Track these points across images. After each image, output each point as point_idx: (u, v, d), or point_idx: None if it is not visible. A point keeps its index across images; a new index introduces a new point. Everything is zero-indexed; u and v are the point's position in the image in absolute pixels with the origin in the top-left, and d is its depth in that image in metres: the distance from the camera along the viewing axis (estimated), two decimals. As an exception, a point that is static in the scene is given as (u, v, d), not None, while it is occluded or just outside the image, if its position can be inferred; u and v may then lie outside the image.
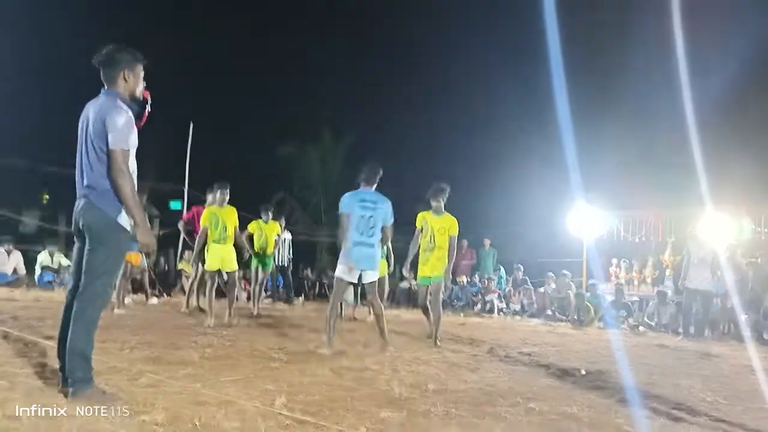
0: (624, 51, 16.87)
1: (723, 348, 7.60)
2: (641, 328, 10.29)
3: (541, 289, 12.84)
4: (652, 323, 10.41)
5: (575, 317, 10.78)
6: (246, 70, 22.23)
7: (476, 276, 13.78)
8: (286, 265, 11.56)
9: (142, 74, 3.15)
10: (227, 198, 6.86)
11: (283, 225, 11.53)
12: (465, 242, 15.10)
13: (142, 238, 3.05)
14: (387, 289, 9.38)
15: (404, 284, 13.43)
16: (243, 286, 11.62)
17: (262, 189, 16.50)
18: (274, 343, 5.43)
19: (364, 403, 3.16)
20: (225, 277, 6.97)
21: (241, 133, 21.01)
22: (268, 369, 4.06)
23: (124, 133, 2.97)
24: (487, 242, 14.47)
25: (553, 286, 12.61)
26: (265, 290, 12.87)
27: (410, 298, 12.91)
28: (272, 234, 8.84)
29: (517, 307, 12.71)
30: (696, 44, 10.30)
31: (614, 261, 13.00)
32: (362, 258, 5.18)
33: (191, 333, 5.75)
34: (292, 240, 11.78)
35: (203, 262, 7.00)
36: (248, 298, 9.28)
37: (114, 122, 2.94)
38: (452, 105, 22.83)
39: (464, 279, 13.87)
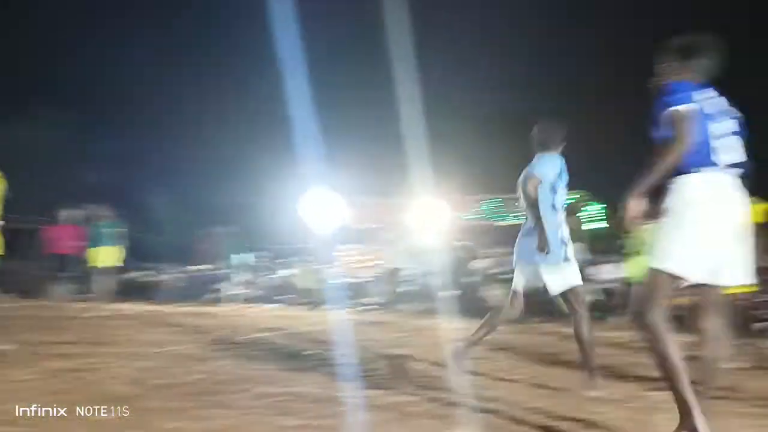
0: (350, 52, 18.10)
1: (434, 321, 8.65)
2: (367, 307, 11.16)
3: (277, 275, 13.07)
4: (376, 301, 11.37)
5: (307, 300, 11.22)
6: None
7: (211, 263, 13.42)
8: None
9: None
10: None
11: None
12: (204, 229, 14.65)
13: None
14: None
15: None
16: None
17: None
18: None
19: (78, 407, 2.81)
20: None
21: None
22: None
23: None
24: (226, 230, 14.15)
25: (287, 271, 12.94)
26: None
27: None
28: None
29: (252, 294, 12.73)
30: (415, 48, 11.44)
31: (344, 245, 13.85)
32: None
33: None
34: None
35: None
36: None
37: None
38: (185, 93, 21.73)
39: (200, 267, 13.40)
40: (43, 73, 18.89)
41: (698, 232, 2.38)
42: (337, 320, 8.46)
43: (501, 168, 17.03)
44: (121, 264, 9.06)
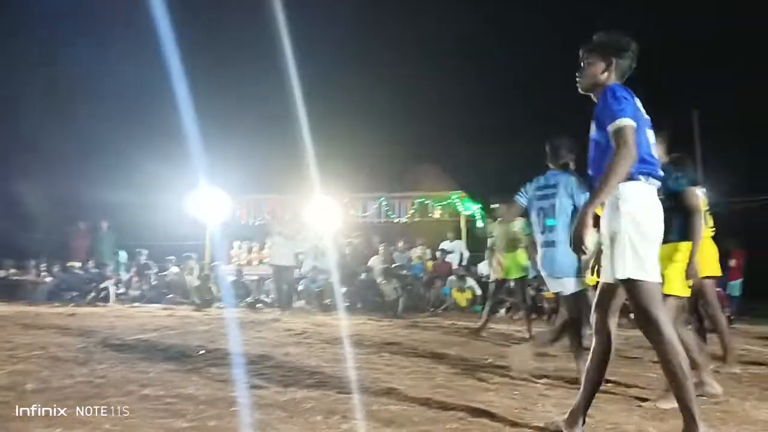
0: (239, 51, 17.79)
1: (327, 318, 8.70)
2: (258, 305, 11.00)
3: (164, 273, 12.54)
4: (269, 300, 11.24)
5: (196, 299, 10.86)
6: None
7: (91, 262, 12.61)
8: None
9: None
10: None
11: None
12: (81, 224, 13.70)
13: None
14: None
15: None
16: None
17: None
18: None
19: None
20: None
21: None
22: None
23: None
24: (104, 224, 13.23)
25: (176, 269, 12.46)
26: None
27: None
28: None
29: (137, 293, 12.13)
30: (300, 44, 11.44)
31: (236, 243, 13.54)
32: None
33: None
34: None
35: None
36: None
37: None
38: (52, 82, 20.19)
39: (77, 265, 12.55)
40: None
41: (655, 238, 2.52)
42: (227, 319, 8.29)
43: (390, 167, 17.48)
44: None
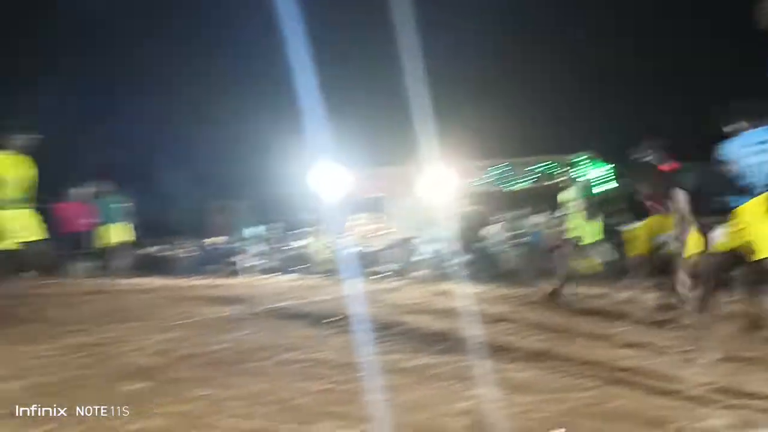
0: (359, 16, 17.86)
1: (447, 287, 8.72)
2: (380, 275, 11.26)
3: (291, 246, 13.19)
4: (389, 270, 11.46)
5: (322, 270, 11.33)
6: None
7: (226, 236, 13.59)
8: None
9: None
10: None
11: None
12: (218, 203, 14.83)
13: None
14: None
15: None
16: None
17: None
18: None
19: (104, 379, 2.90)
20: None
21: None
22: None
23: None
24: (241, 204, 14.34)
25: (304, 241, 13.04)
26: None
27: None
28: None
29: (271, 265, 12.87)
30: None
31: (355, 215, 13.90)
32: None
33: None
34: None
35: None
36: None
37: None
38: (195, 70, 21.64)
39: (215, 240, 13.57)
40: (49, 51, 18.81)
41: None
42: (352, 288, 8.55)
43: (507, 133, 16.97)
44: (132, 240, 9.09)
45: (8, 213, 4.88)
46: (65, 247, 9.20)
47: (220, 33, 20.03)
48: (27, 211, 5.06)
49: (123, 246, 8.64)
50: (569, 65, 18.71)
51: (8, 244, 4.85)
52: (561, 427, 2.18)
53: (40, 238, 5.09)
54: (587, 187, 5.46)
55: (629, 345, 3.84)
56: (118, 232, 8.58)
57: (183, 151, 19.67)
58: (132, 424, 2.18)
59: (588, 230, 6.64)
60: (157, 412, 2.34)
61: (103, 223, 8.56)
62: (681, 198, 4.41)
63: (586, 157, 12.58)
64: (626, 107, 16.49)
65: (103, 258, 9.44)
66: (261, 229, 14.16)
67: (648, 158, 5.43)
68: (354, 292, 7.90)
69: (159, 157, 18.67)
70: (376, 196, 14.20)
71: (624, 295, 7.14)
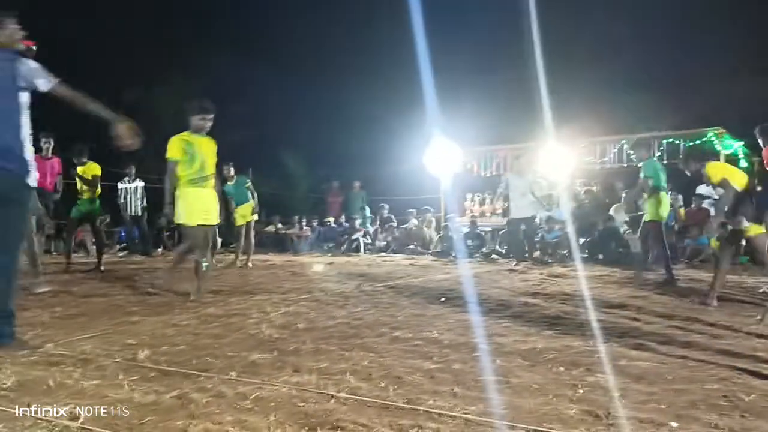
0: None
1: (565, 269, 8.45)
2: (493, 256, 11.11)
3: (405, 226, 13.35)
4: (503, 250, 11.28)
5: (435, 250, 11.39)
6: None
7: (343, 216, 14.05)
8: (140, 214, 10.97)
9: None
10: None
11: (133, 173, 10.85)
12: (335, 183, 15.37)
13: None
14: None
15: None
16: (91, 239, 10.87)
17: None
18: (132, 297, 5.18)
19: (233, 348, 3.13)
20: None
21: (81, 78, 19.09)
22: (128, 323, 3.87)
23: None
24: (357, 184, 14.78)
25: (415, 221, 13.16)
26: (119, 242, 12.15)
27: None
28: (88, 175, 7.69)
29: (383, 244, 13.13)
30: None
31: (469, 195, 13.78)
32: None
33: (38, 293, 5.29)
34: (145, 188, 11.14)
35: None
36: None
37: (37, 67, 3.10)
38: (310, 50, 22.42)
39: (332, 220, 14.07)
40: (183, 43, 20.22)
41: None
42: (464, 269, 8.54)
43: (631, 106, 15.93)
44: (255, 218, 9.54)
45: (195, 191, 5.01)
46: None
47: (343, 18, 20.52)
48: (211, 191, 5.18)
49: (248, 225, 9.14)
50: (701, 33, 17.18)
51: (195, 220, 5.02)
52: (680, 421, 2.06)
53: (217, 222, 5.28)
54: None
55: (761, 336, 3.53)
56: (242, 212, 9.08)
57: (301, 134, 20.47)
58: (258, 392, 2.34)
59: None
60: (278, 381, 2.49)
61: (237, 204, 9.08)
62: None
63: (715, 132, 11.54)
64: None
65: (231, 236, 10.08)
66: (375, 209, 14.47)
67: None
68: (467, 273, 7.89)
69: (281, 141, 19.55)
70: (491, 175, 14.00)
71: (751, 280, 6.56)
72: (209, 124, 5.06)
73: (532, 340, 3.42)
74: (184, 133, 5.07)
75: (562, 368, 2.77)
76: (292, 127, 21.00)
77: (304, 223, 14.66)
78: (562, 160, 11.54)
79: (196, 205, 5.02)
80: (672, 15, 17.87)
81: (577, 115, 13.51)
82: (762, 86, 13.87)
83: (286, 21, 21.91)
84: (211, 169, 5.14)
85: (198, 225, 5.03)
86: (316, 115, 21.22)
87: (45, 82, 3.10)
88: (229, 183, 9.01)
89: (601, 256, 10.08)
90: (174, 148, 4.99)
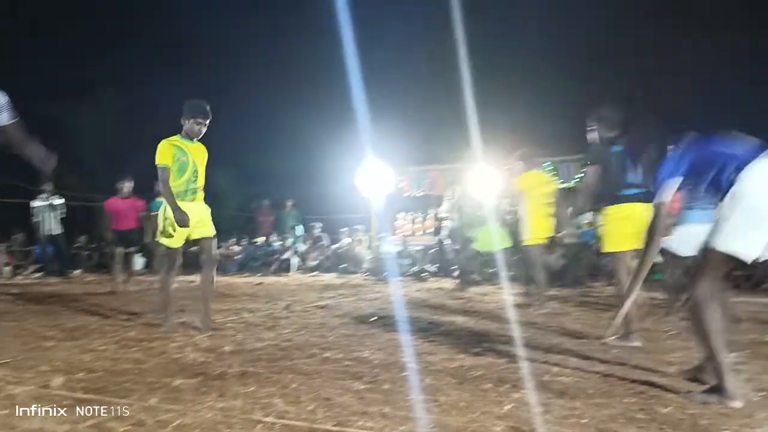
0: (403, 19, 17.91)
1: (492, 287, 8.66)
2: (424, 274, 11.24)
3: (336, 245, 13.30)
4: (433, 269, 11.43)
5: (365, 269, 11.39)
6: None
7: (273, 235, 13.83)
8: (57, 233, 10.41)
9: None
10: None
11: (49, 190, 10.32)
12: (266, 202, 15.10)
13: None
14: None
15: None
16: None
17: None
18: (46, 321, 4.89)
19: (154, 374, 3.01)
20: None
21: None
22: (41, 349, 3.65)
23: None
24: (289, 203, 14.60)
25: (347, 240, 13.14)
26: (34, 261, 11.50)
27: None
28: None
29: (314, 263, 13.02)
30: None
31: (400, 215, 13.92)
32: None
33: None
34: (64, 205, 10.59)
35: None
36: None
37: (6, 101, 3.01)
38: (241, 66, 22.14)
39: (262, 239, 13.84)
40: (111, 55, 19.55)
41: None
42: (395, 288, 8.58)
43: (554, 129, 16.64)
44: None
45: (183, 205, 4.39)
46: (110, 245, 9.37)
47: (269, 32, 20.40)
48: (202, 204, 4.63)
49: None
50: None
51: (179, 242, 4.49)
52: (603, 434, 2.14)
53: (212, 234, 4.63)
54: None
55: (674, 350, 3.73)
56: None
57: (229, 151, 20.09)
58: (180, 419, 2.26)
59: None
60: (202, 407, 2.41)
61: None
62: None
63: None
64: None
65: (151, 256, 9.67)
66: (305, 228, 14.35)
67: None
68: (397, 292, 7.93)
69: (209, 155, 19.07)
70: (422, 194, 14.19)
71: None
72: (204, 129, 4.53)
73: (460, 357, 3.47)
74: (174, 138, 4.50)
75: (489, 385, 2.82)
76: (221, 144, 20.58)
77: (232, 243, 14.34)
78: (489, 181, 11.85)
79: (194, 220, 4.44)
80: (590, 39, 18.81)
81: (505, 137, 13.95)
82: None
83: (213, 35, 21.59)
84: (202, 180, 4.62)
85: (181, 246, 4.53)
86: (247, 132, 20.91)
87: (6, 117, 2.99)
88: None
89: (528, 275, 10.36)
90: (164, 153, 4.41)
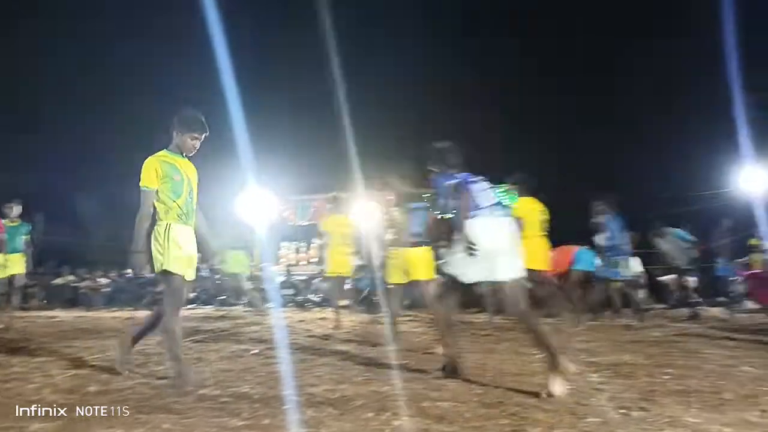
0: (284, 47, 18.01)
1: (374, 316, 8.72)
2: (307, 304, 11.14)
3: (216, 275, 12.85)
4: (317, 299, 11.36)
5: (246, 300, 11.07)
6: None
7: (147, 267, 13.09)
8: None
9: None
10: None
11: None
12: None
13: None
14: None
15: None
16: None
17: None
18: None
19: (10, 418, 2.71)
20: None
21: None
22: None
23: None
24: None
25: (231, 270, 12.72)
26: None
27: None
28: None
29: (192, 296, 12.47)
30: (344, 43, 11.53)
31: (284, 244, 13.76)
32: None
33: None
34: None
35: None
36: None
37: None
38: (110, 89, 20.94)
39: (132, 271, 13.03)
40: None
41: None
42: (277, 319, 8.42)
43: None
44: (22, 271, 8.13)
45: (183, 229, 3.83)
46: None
47: (150, 57, 19.56)
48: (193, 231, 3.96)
49: (20, 277, 7.92)
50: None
51: (183, 267, 3.80)
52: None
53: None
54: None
55: (541, 372, 3.96)
56: (19, 263, 7.88)
57: (98, 178, 18.89)
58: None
59: None
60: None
61: (10, 252, 7.87)
62: None
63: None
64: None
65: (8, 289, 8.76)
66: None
67: None
68: (279, 323, 7.78)
69: (73, 185, 17.87)
70: (306, 224, 14.14)
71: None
72: (199, 145, 3.91)
73: (342, 387, 3.46)
74: (163, 153, 3.84)
75: (370, 414, 2.83)
76: (87, 171, 19.23)
77: (99, 275, 13.39)
78: (372, 211, 12.06)
79: (187, 248, 3.82)
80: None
81: (388, 168, 14.28)
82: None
83: (83, 59, 20.27)
84: (196, 200, 3.99)
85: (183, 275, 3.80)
86: (116, 158, 19.70)
87: None
88: (12, 224, 7.82)
89: (406, 303, 10.59)
90: (150, 173, 3.75)
